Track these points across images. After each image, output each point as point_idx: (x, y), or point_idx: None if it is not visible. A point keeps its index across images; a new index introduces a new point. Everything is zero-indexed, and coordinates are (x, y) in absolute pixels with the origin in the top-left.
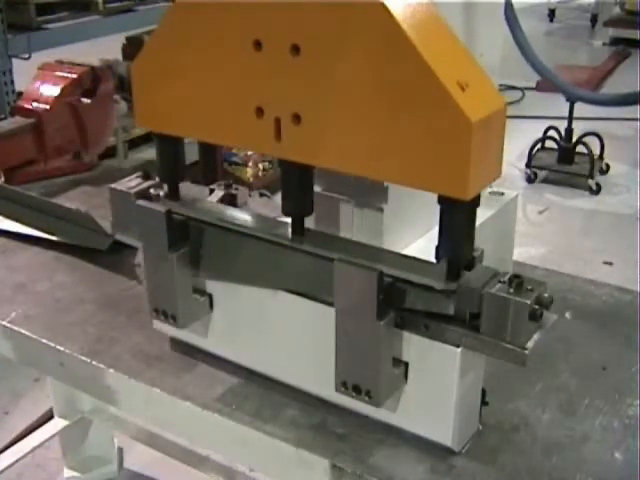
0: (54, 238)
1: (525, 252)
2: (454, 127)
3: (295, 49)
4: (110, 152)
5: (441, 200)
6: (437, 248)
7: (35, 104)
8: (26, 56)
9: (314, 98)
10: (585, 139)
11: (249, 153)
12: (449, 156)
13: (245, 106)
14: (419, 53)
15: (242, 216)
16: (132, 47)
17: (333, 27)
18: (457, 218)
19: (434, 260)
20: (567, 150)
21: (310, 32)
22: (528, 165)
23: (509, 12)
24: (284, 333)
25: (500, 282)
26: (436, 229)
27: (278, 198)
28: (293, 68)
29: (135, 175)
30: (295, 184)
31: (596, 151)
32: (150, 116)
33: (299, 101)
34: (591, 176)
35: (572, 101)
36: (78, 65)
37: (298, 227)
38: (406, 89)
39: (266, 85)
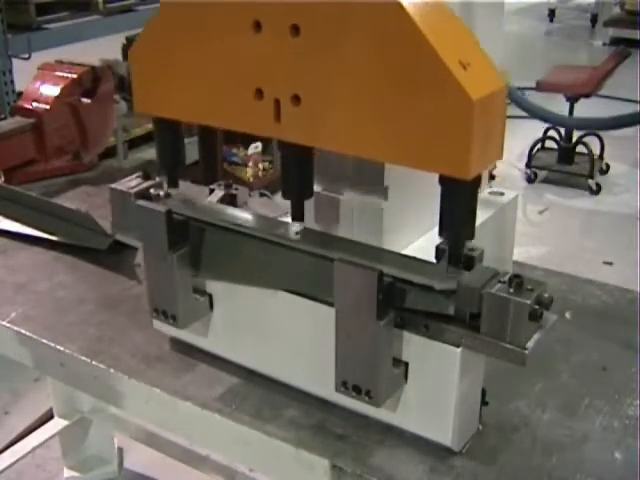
0: (54, 238)
1: (525, 252)
2: (455, 105)
3: (295, 29)
4: (110, 152)
5: (442, 180)
6: (437, 247)
7: (35, 104)
8: (26, 56)
9: (314, 79)
10: (585, 139)
11: (249, 153)
12: (450, 135)
13: (244, 88)
14: (421, 31)
15: (242, 216)
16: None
17: (333, 7)
18: (458, 199)
19: (434, 260)
20: (567, 150)
21: (310, 12)
22: (528, 165)
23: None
24: (284, 333)
25: (500, 282)
26: (436, 229)
27: (278, 198)
28: (293, 49)
29: (135, 175)
30: (295, 167)
31: (596, 151)
32: (149, 100)
33: (299, 82)
34: (591, 176)
35: (571, 103)
36: (78, 65)
37: (297, 211)
38: (407, 68)
39: (265, 66)
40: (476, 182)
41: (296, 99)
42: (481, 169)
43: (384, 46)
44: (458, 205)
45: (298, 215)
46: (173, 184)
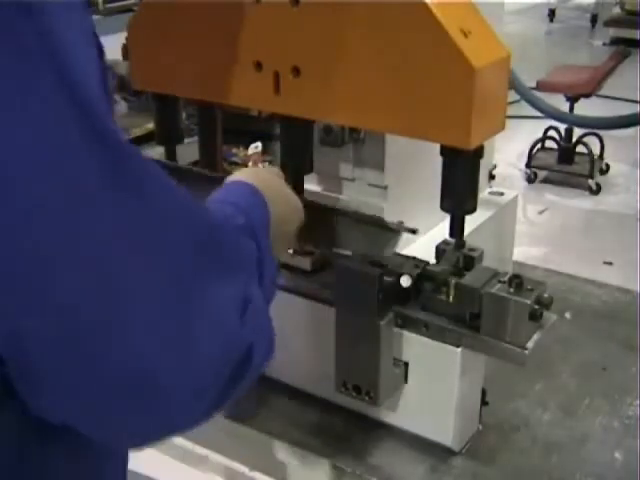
0: None
1: (525, 252)
2: (456, 73)
3: None
4: None
5: (444, 151)
6: (436, 246)
7: None
8: None
9: (314, 49)
10: (585, 139)
11: (249, 153)
12: (451, 104)
13: (243, 60)
14: None
15: None
16: None
17: None
18: (460, 170)
19: (434, 260)
20: (567, 150)
21: None
22: (528, 165)
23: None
24: (284, 333)
25: (500, 282)
26: (436, 229)
27: None
28: (292, 19)
29: None
30: (294, 141)
31: (596, 151)
32: (147, 77)
33: (298, 53)
34: (591, 176)
35: (571, 103)
36: None
37: (298, 186)
38: (408, 36)
39: (265, 38)
40: (478, 153)
41: (296, 71)
42: (483, 139)
43: (384, 15)
44: (460, 176)
45: (298, 191)
46: (172, 160)
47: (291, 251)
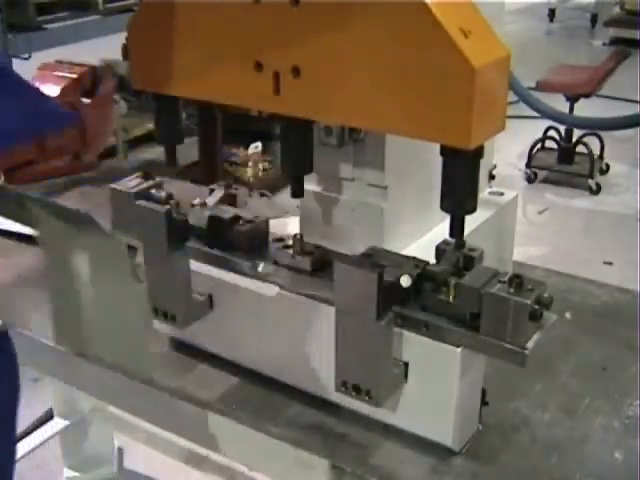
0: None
1: (525, 252)
2: (456, 73)
3: None
4: (110, 152)
5: (444, 151)
6: (436, 246)
7: None
8: (26, 56)
9: (314, 50)
10: (585, 139)
11: (249, 153)
12: (451, 103)
13: (243, 61)
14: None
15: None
16: None
17: None
18: (460, 169)
19: (434, 260)
20: (567, 150)
21: None
22: (528, 165)
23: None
24: (284, 333)
25: (500, 282)
26: (436, 229)
27: (278, 198)
28: (292, 19)
29: (135, 175)
30: (294, 141)
31: (596, 151)
32: (147, 77)
33: (298, 53)
34: (591, 176)
35: (571, 103)
36: (78, 65)
37: (298, 187)
38: (408, 36)
39: (265, 38)
40: (478, 153)
41: (296, 71)
42: (483, 139)
43: (384, 14)
44: (459, 176)
45: (298, 191)
46: (172, 160)
47: (291, 251)
